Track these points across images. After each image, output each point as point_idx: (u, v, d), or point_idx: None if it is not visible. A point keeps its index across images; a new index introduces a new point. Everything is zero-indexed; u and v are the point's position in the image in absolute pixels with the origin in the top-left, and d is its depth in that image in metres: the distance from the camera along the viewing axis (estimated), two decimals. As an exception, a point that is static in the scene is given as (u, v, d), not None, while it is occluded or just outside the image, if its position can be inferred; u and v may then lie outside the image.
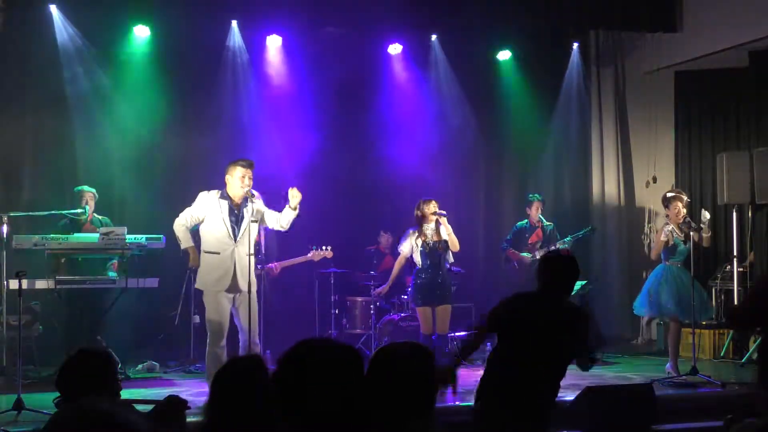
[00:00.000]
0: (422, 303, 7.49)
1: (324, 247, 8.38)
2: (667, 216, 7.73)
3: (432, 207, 7.53)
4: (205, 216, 6.57)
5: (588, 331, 4.40)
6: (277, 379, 1.93)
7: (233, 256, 6.50)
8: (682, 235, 7.61)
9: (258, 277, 6.96)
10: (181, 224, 6.62)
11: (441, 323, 7.49)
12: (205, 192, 6.64)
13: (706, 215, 7.62)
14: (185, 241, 6.64)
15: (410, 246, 7.62)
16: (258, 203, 6.73)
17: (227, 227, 6.52)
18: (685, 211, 7.67)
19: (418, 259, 7.59)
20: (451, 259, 7.70)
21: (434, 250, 7.53)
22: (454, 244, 7.55)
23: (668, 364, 7.60)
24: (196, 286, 6.75)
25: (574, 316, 4.35)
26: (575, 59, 10.54)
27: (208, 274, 6.55)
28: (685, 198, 7.82)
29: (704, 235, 7.58)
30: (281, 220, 6.72)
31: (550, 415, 4.39)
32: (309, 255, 8.42)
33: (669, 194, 7.92)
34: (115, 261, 7.78)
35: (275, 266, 8.42)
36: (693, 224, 7.58)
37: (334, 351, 1.98)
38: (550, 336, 4.22)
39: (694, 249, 7.46)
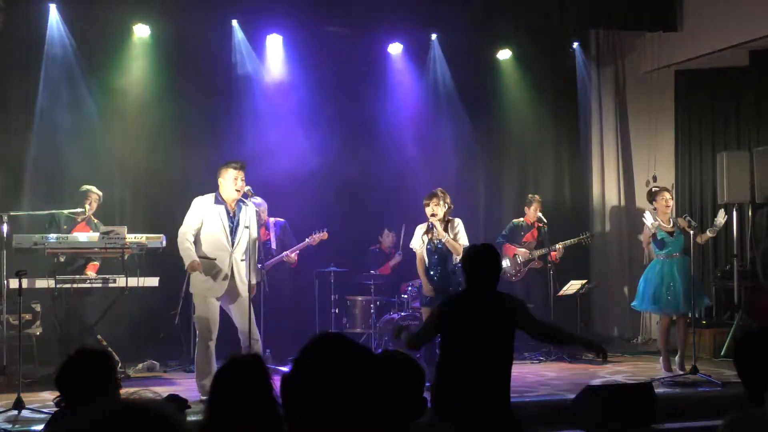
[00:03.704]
0: (427, 303, 7.12)
1: (318, 231, 8.42)
2: (655, 209, 7.77)
3: (429, 209, 7.12)
4: (202, 221, 6.52)
5: (525, 312, 4.61)
6: (292, 375, 1.91)
7: (230, 261, 6.49)
8: (671, 227, 7.64)
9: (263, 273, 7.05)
10: (186, 239, 6.47)
11: None
12: (200, 197, 6.60)
13: (720, 221, 7.66)
14: (189, 258, 6.45)
15: (419, 243, 7.28)
16: (252, 212, 6.68)
17: (225, 233, 6.49)
18: (673, 202, 7.74)
19: (425, 256, 7.24)
20: (457, 260, 7.28)
21: (439, 249, 7.19)
22: (455, 249, 7.06)
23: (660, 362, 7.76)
24: (190, 289, 6.69)
25: (510, 301, 4.56)
26: (576, 58, 10.53)
27: (203, 280, 6.48)
28: (670, 190, 7.91)
29: (708, 234, 7.66)
30: (251, 249, 6.59)
31: (510, 414, 4.45)
32: (308, 240, 8.43)
33: (654, 188, 8.01)
34: (95, 263, 7.76)
35: (294, 254, 8.45)
36: (693, 222, 7.60)
37: (356, 350, 1.95)
38: (490, 324, 4.38)
39: (694, 246, 7.49)
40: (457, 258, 7.17)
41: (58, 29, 8.62)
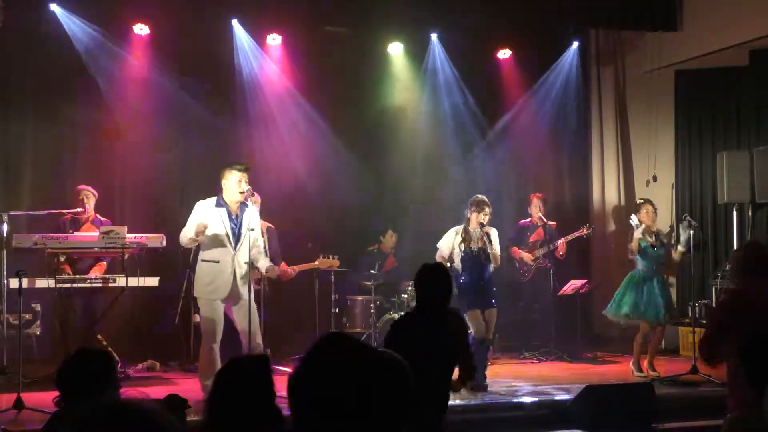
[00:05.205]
0: (470, 307, 6.99)
1: (330, 256, 8.32)
2: (640, 221, 7.87)
3: (480, 216, 7.12)
4: (206, 224, 6.46)
5: (465, 332, 4.72)
6: (299, 375, 1.90)
7: (233, 265, 6.44)
8: (652, 238, 7.80)
9: (258, 280, 6.93)
10: (185, 235, 6.46)
11: (487, 328, 7.03)
12: (202, 201, 6.57)
13: (683, 234, 7.85)
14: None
15: (449, 248, 7.22)
16: (255, 214, 6.65)
17: (228, 235, 6.45)
18: (654, 215, 7.90)
19: (458, 263, 7.19)
20: (491, 269, 7.29)
21: (475, 257, 7.16)
22: (497, 260, 7.20)
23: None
24: (194, 293, 6.68)
25: (453, 321, 4.56)
26: (575, 58, 10.52)
27: (206, 283, 6.48)
28: (653, 205, 8.01)
29: (680, 248, 7.88)
30: (258, 259, 6.59)
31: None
32: (316, 262, 8.35)
33: (638, 201, 8.20)
34: (102, 261, 7.76)
35: (292, 270, 8.27)
36: (693, 222, 7.64)
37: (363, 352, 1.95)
38: (435, 345, 4.31)
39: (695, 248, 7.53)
40: (493, 267, 7.26)
41: (78, 27, 8.61)
